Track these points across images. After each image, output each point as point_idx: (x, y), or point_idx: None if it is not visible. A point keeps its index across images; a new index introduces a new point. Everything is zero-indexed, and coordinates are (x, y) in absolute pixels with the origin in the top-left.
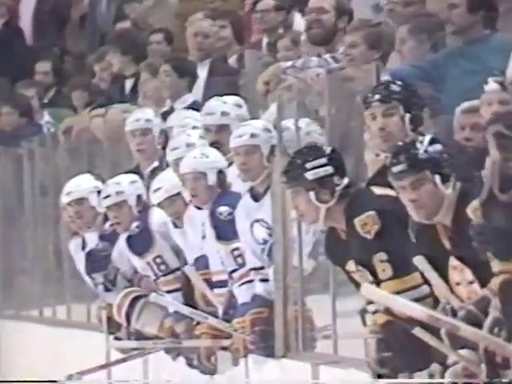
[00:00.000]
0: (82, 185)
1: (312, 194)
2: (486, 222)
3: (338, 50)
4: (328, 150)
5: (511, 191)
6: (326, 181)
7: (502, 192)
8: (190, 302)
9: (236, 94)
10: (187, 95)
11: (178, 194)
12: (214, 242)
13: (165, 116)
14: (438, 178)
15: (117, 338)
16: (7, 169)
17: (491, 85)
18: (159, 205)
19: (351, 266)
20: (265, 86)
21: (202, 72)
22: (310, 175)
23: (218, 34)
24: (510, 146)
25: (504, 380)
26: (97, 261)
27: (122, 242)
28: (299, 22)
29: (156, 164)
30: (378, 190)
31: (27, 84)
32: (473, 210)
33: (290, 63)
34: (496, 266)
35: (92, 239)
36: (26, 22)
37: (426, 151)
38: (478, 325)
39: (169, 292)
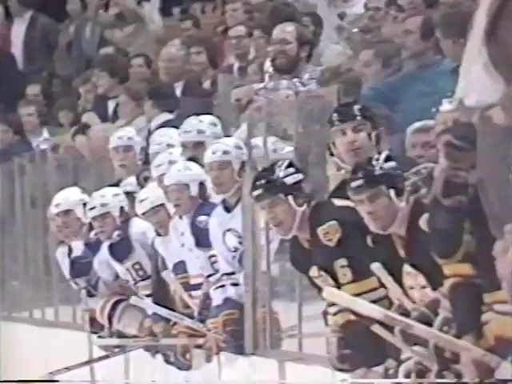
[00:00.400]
0: (69, 197)
1: (291, 198)
2: (430, 225)
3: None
4: (286, 163)
5: (455, 197)
6: (299, 186)
7: (445, 197)
8: (166, 304)
9: (210, 113)
10: (161, 115)
11: (162, 204)
12: (194, 249)
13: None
14: (392, 193)
15: (100, 337)
16: (1, 182)
17: (445, 105)
18: (144, 214)
19: (314, 271)
20: (236, 102)
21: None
22: (288, 180)
23: (189, 59)
24: (457, 155)
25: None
26: (79, 267)
27: (103, 251)
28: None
29: (133, 179)
30: (338, 202)
31: (28, 102)
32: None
33: (261, 85)
34: (447, 270)
35: (78, 247)
36: (17, 48)
37: (381, 168)
38: (429, 324)
39: (147, 296)
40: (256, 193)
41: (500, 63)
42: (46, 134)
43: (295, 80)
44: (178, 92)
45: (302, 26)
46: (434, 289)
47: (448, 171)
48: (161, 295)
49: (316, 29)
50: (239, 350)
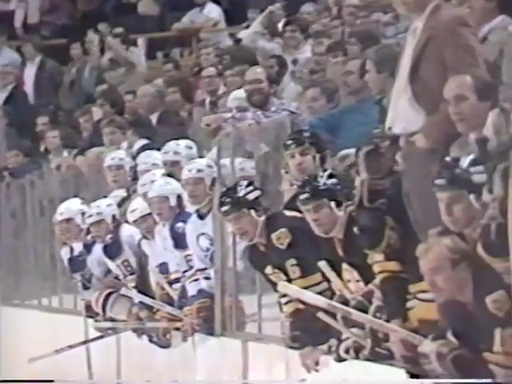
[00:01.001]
0: (70, 207)
1: (252, 211)
2: (359, 224)
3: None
4: (246, 182)
5: (377, 202)
6: (258, 201)
7: (370, 203)
8: (149, 294)
9: (187, 138)
10: (140, 140)
11: (150, 214)
12: (173, 250)
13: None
14: (333, 204)
15: (96, 321)
16: (15, 195)
17: (377, 134)
18: (135, 222)
19: (269, 269)
20: (207, 126)
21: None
22: (249, 197)
23: (163, 95)
24: (374, 167)
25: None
26: (75, 264)
27: (96, 251)
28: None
29: (124, 192)
30: (288, 213)
31: (52, 127)
32: None
33: (230, 114)
34: (377, 267)
35: (78, 248)
36: (28, 86)
37: (324, 184)
38: (365, 310)
39: (134, 287)
40: (223, 209)
41: (422, 98)
42: (65, 153)
43: (259, 112)
44: (154, 121)
45: (269, 68)
46: (368, 282)
47: (369, 182)
48: (144, 287)
49: (280, 69)
50: (210, 332)
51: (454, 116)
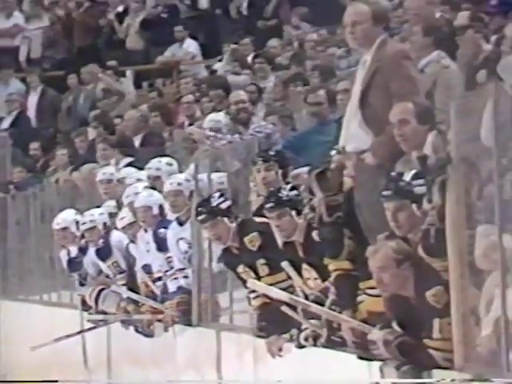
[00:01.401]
0: (66, 218)
1: (226, 219)
2: (320, 236)
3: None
4: (218, 194)
5: (334, 216)
6: (230, 209)
7: (329, 218)
8: (136, 291)
9: (168, 156)
10: (124, 158)
11: (136, 221)
12: (156, 252)
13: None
14: (293, 212)
15: (90, 314)
16: (19, 205)
17: (333, 152)
18: (123, 228)
19: (241, 268)
20: (189, 135)
21: (135, 143)
22: (222, 206)
23: (146, 119)
24: (326, 186)
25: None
26: (73, 265)
27: (90, 253)
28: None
29: (115, 203)
30: (258, 219)
31: (62, 147)
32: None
33: (212, 133)
34: (332, 266)
35: (74, 251)
36: (31, 111)
37: (287, 195)
38: (322, 304)
39: (123, 285)
40: (200, 218)
41: (370, 121)
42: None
43: (236, 135)
44: (138, 142)
45: (250, 93)
46: (324, 280)
47: (325, 199)
48: (132, 284)
49: (258, 95)
50: (188, 323)
51: (398, 137)
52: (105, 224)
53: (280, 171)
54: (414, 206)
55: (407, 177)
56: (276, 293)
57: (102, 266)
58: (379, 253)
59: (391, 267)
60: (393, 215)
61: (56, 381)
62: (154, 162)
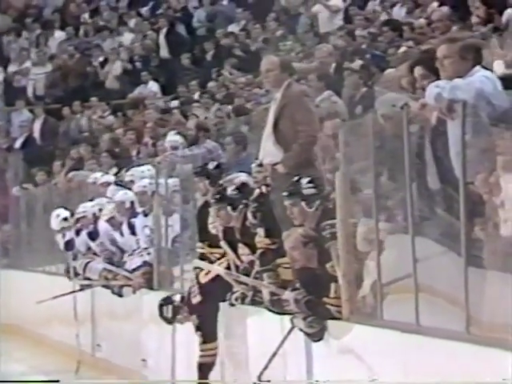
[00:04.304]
0: (59, 214)
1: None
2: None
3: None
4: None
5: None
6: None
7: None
8: (114, 263)
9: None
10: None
11: (114, 216)
12: (129, 236)
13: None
14: (229, 208)
15: (79, 280)
16: (30, 200)
17: (253, 165)
18: (107, 220)
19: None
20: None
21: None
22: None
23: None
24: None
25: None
26: (68, 245)
27: (82, 235)
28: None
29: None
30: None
31: (58, 159)
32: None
33: (171, 151)
34: (258, 243)
35: (69, 234)
36: (36, 133)
37: (229, 194)
38: (249, 273)
39: (106, 259)
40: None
41: (281, 142)
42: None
43: (187, 150)
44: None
45: (201, 120)
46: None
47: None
48: (111, 259)
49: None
50: (151, 287)
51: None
52: (94, 214)
53: (207, 181)
54: (303, 203)
55: (303, 182)
56: (214, 268)
57: (92, 244)
58: (291, 236)
59: (300, 247)
60: (289, 210)
61: (57, 381)
62: (133, 171)
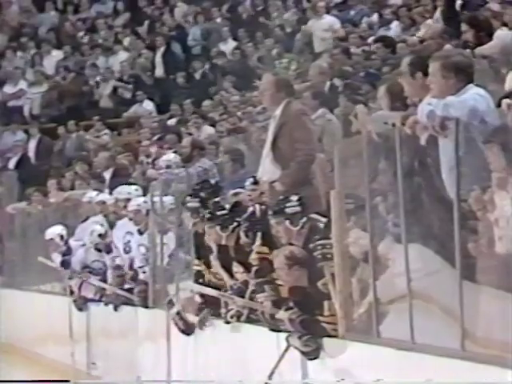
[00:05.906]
0: (54, 231)
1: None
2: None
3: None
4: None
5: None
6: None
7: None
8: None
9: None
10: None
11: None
12: (123, 255)
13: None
14: (218, 228)
15: (74, 300)
16: (24, 219)
17: (248, 183)
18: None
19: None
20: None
21: (107, 175)
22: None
23: (115, 157)
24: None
25: None
26: (65, 264)
27: (79, 254)
28: None
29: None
30: None
31: (52, 178)
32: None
33: (169, 170)
34: (253, 259)
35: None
36: (31, 152)
37: (217, 213)
38: (243, 293)
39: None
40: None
41: (279, 160)
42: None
43: (182, 169)
44: (109, 175)
45: (195, 139)
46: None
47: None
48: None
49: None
50: (145, 305)
51: None
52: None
53: (199, 205)
54: (287, 222)
55: (293, 199)
56: (209, 291)
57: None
58: (278, 257)
59: (285, 268)
60: (275, 228)
61: (67, 380)
62: (122, 188)
